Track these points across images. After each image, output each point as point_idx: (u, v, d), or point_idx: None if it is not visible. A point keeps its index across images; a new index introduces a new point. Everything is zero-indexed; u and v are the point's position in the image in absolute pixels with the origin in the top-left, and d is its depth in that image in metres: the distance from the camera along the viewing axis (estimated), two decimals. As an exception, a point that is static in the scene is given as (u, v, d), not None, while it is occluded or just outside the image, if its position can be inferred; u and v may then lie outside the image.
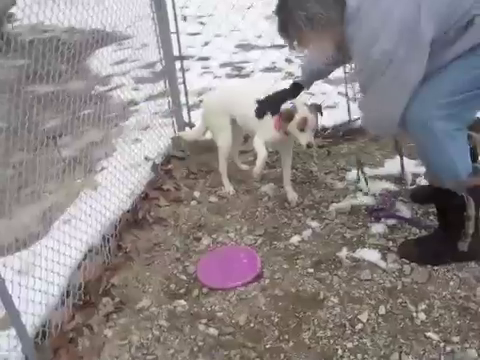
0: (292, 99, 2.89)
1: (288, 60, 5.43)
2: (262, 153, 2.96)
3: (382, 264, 2.61)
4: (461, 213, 2.44)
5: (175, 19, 3.60)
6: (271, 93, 2.99)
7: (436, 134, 2.27)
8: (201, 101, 4.55)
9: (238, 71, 5.35)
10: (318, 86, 3.85)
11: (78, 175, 3.30)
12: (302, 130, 2.78)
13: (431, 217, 2.90)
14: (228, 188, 3.31)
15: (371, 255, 2.67)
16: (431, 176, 2.56)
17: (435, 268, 2.54)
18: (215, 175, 3.49)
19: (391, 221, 2.88)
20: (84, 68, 5.20)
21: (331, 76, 3.14)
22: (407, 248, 2.64)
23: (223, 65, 5.54)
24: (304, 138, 2.79)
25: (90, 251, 2.73)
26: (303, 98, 3.03)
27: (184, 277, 2.66)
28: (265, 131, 2.98)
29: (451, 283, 2.46)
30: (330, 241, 2.81)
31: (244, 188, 3.35)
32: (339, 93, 4.26)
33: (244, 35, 6.14)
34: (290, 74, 5.12)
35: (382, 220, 2.90)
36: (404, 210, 2.98)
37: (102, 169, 3.51)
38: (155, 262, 2.78)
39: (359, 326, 2.29)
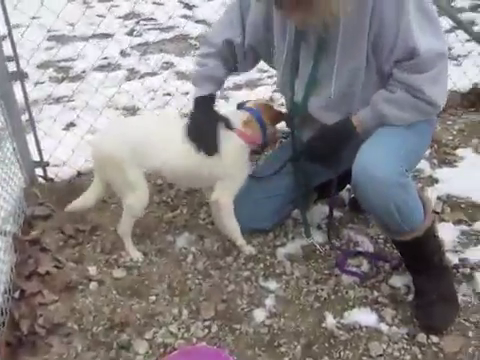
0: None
1: (123, 53, 4.48)
2: (236, 231, 2.40)
3: (383, 327, 2.05)
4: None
5: (6, 17, 2.48)
6: (192, 119, 2.22)
7: (410, 187, 1.99)
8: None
9: (65, 73, 4.22)
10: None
11: None
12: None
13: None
14: (135, 254, 2.39)
15: (365, 317, 2.09)
16: (398, 235, 2.07)
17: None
18: (105, 233, 2.53)
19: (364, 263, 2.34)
20: None
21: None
22: (439, 315, 2.05)
23: (41, 66, 4.32)
24: None
25: None
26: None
27: None
28: (234, 167, 2.26)
29: (470, 334, 2.01)
30: (305, 307, 2.14)
31: (154, 248, 2.46)
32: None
33: (50, 23, 4.92)
34: (133, 71, 4.20)
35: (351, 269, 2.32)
36: (364, 241, 2.46)
37: None
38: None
39: None
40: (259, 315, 2.11)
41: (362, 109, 2.05)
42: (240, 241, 2.38)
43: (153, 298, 2.20)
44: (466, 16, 5.00)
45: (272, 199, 2.42)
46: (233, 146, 2.24)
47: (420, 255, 2.09)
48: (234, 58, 2.29)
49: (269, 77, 4.03)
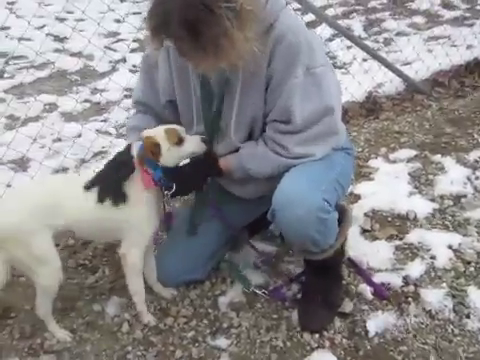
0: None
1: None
2: (140, 288, 2.12)
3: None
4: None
5: None
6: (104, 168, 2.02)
7: (330, 221, 1.94)
8: None
9: None
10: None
11: None
12: (180, 142, 1.94)
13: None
14: (61, 334, 2.08)
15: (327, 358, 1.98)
16: (311, 254, 2.04)
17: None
18: (21, 314, 2.19)
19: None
20: None
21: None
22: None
23: None
24: (193, 145, 1.98)
25: None
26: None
27: None
28: (141, 218, 1.99)
29: (432, 359, 1.96)
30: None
31: (81, 321, 2.16)
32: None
33: None
34: (13, 118, 3.76)
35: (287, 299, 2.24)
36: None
37: None
38: None
39: None
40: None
41: (232, 155, 2.01)
42: (141, 306, 2.12)
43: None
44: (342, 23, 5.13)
45: (203, 247, 2.25)
46: (135, 193, 1.97)
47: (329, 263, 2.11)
48: (158, 113, 2.20)
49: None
